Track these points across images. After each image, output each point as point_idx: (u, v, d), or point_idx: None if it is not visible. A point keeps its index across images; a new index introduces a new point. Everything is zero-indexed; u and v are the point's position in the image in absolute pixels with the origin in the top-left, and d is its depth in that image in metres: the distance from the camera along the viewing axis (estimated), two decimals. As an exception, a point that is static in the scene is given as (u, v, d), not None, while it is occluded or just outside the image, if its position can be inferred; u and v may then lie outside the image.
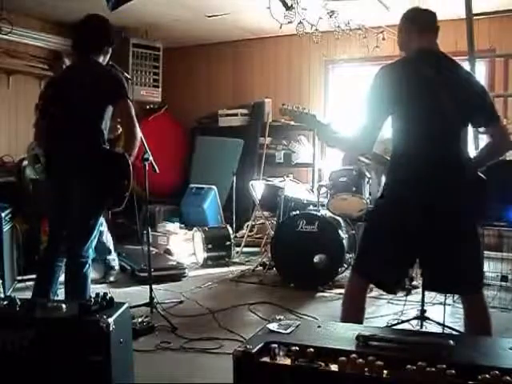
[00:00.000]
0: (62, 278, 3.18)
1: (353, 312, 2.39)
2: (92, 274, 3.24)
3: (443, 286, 2.47)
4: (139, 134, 3.13)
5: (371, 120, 2.31)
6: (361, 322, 2.35)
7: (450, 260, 2.27)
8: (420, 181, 2.24)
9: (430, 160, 2.24)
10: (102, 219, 3.26)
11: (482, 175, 2.40)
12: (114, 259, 4.60)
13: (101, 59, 3.14)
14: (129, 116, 3.07)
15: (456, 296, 3.61)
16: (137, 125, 3.10)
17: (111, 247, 4.55)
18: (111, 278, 4.53)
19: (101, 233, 4.40)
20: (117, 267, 4.62)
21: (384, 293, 3.95)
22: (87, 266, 3.09)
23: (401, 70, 2.35)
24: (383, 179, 4.84)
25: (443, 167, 2.25)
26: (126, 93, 3.06)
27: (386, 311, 3.80)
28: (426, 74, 2.28)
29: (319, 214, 4.54)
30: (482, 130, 2.50)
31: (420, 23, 2.42)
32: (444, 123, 2.28)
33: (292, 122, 6.52)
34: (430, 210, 2.22)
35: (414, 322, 3.35)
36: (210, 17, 5.96)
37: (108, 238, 4.48)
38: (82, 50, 3.13)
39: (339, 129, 2.46)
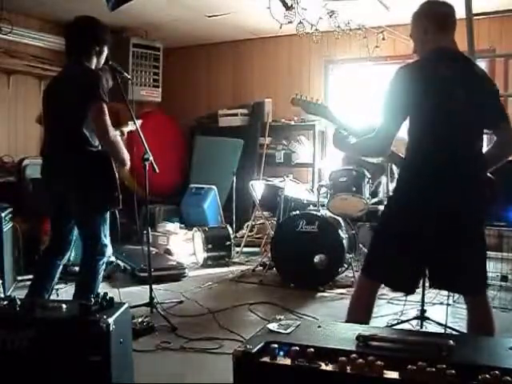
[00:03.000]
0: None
1: (360, 314, 2.38)
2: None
3: (448, 285, 2.47)
4: (112, 139, 2.98)
5: (388, 121, 2.29)
6: (367, 324, 2.34)
7: (456, 260, 2.26)
8: (434, 181, 2.22)
9: (445, 161, 2.23)
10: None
11: (491, 176, 2.39)
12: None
13: (94, 61, 3.11)
14: (97, 121, 2.94)
15: (456, 296, 3.62)
16: (109, 130, 2.96)
17: None
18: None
19: None
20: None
21: (385, 293, 4.00)
22: (100, 263, 3.11)
23: (418, 71, 2.33)
24: (383, 179, 4.89)
25: (459, 168, 2.23)
26: (97, 96, 2.91)
27: (386, 311, 3.79)
28: (443, 74, 2.26)
29: (319, 214, 4.54)
30: (490, 130, 2.48)
31: (437, 20, 2.34)
32: (460, 124, 2.26)
33: (292, 122, 6.54)
34: (444, 210, 2.21)
35: (414, 322, 3.35)
36: (210, 17, 5.96)
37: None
38: (71, 53, 3.13)
39: (349, 122, 2.45)
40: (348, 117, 2.49)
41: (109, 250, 3.16)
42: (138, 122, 3.47)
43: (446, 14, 2.38)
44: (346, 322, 2.31)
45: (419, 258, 2.33)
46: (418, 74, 2.31)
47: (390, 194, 3.57)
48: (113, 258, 4.61)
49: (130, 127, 3.43)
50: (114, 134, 3.03)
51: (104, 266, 3.18)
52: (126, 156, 3.09)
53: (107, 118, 2.95)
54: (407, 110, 2.29)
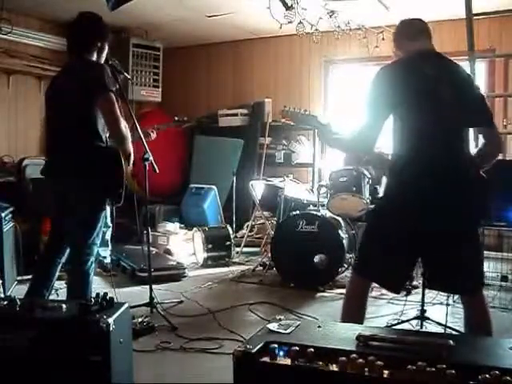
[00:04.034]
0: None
1: (354, 312, 2.39)
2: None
3: (444, 286, 2.47)
4: (123, 131, 2.97)
5: (372, 120, 2.30)
6: (361, 323, 2.35)
7: (451, 260, 2.27)
8: (423, 181, 2.23)
9: (433, 160, 2.23)
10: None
11: (484, 175, 2.40)
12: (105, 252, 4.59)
13: (95, 57, 3.10)
14: (109, 114, 2.92)
15: (456, 296, 3.62)
16: (120, 122, 2.94)
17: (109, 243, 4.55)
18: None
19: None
20: (108, 260, 4.60)
21: (384, 293, 4.00)
22: (89, 263, 3.07)
23: (401, 70, 2.34)
24: (383, 179, 4.88)
25: (447, 167, 2.24)
26: (104, 89, 2.89)
27: (386, 311, 3.79)
28: (427, 74, 2.28)
29: (319, 213, 4.54)
30: (477, 129, 2.50)
31: (407, 34, 2.45)
32: (446, 123, 2.28)
33: (292, 122, 6.52)
34: (434, 210, 2.22)
35: (414, 322, 3.35)
36: (210, 17, 5.96)
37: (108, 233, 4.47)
38: (73, 49, 3.12)
39: (339, 129, 2.46)
40: (339, 124, 2.50)
41: (101, 249, 3.12)
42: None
43: (416, 26, 2.47)
44: (341, 321, 2.31)
45: (415, 258, 2.33)
46: (400, 73, 2.33)
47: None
48: (108, 259, 4.63)
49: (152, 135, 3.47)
50: (125, 124, 3.02)
51: (94, 265, 3.14)
52: (131, 150, 3.10)
53: (117, 108, 2.93)
54: (390, 109, 2.30)
